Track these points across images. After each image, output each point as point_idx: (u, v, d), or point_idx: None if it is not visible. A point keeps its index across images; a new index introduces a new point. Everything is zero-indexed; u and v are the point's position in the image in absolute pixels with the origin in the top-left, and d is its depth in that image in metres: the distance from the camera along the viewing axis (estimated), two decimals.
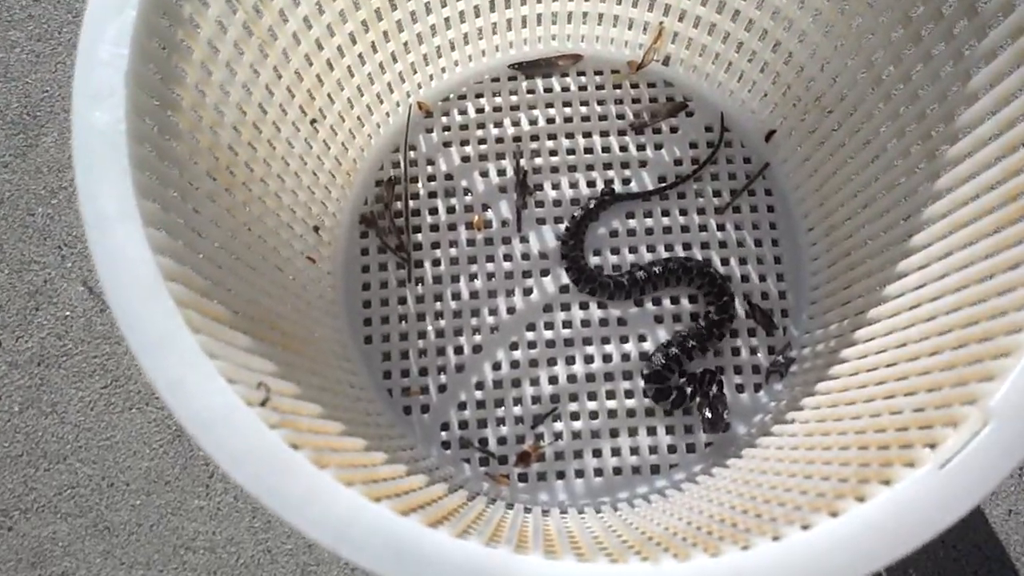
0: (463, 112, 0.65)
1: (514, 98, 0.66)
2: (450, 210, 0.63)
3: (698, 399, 0.58)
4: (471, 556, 0.31)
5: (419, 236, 0.63)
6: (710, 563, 0.31)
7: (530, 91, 0.66)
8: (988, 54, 0.44)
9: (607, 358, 0.61)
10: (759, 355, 0.61)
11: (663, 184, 0.64)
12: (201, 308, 0.35)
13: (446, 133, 0.65)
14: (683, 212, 0.64)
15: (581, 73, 0.66)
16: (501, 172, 0.64)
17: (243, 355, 0.37)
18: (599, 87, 0.66)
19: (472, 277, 0.62)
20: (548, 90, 0.66)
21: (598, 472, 0.59)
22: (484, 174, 0.64)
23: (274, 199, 0.52)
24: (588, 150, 0.65)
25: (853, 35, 0.53)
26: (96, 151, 0.34)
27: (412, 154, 0.64)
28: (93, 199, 0.34)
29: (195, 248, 0.39)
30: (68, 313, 0.63)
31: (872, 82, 0.53)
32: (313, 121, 0.55)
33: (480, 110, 0.65)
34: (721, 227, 0.63)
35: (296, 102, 0.53)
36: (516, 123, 0.65)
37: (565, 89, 0.66)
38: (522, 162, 0.64)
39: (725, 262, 0.63)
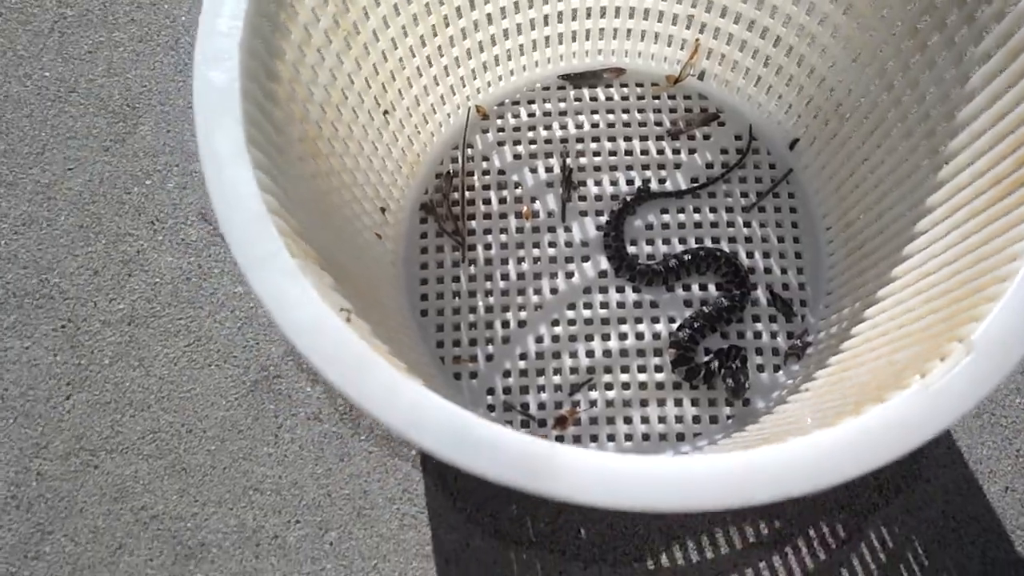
0: (516, 116, 0.71)
1: (562, 105, 0.71)
2: (502, 201, 0.68)
3: (723, 371, 0.62)
4: (521, 443, 0.35)
5: (473, 223, 0.68)
6: (723, 458, 0.35)
7: (577, 99, 0.71)
8: (983, 56, 0.48)
9: (639, 336, 0.65)
10: (779, 339, 0.65)
11: (695, 184, 0.68)
12: (297, 240, 0.40)
13: (500, 134, 0.70)
14: (712, 210, 0.68)
15: (624, 85, 0.71)
16: (549, 169, 0.69)
17: (330, 285, 0.42)
18: (639, 97, 0.71)
19: (520, 260, 0.67)
20: (593, 99, 0.71)
21: (628, 437, 0.63)
22: (533, 170, 0.69)
23: (349, 175, 0.57)
24: (628, 152, 0.69)
25: (868, 47, 0.58)
26: (213, 103, 0.40)
27: (469, 151, 0.70)
28: (210, 142, 0.39)
29: (289, 196, 0.44)
30: (157, 280, 0.69)
31: (884, 88, 0.57)
32: (385, 112, 0.61)
33: (532, 115, 0.71)
34: (747, 224, 0.68)
35: (372, 92, 0.58)
36: (563, 127, 0.70)
37: (609, 99, 0.71)
38: (568, 161, 0.69)
39: (750, 255, 0.67)
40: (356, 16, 0.53)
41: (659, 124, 0.70)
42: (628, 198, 0.67)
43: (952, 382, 0.36)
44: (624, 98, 0.71)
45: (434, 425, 0.35)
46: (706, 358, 0.63)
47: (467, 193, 0.68)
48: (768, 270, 0.67)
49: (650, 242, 0.67)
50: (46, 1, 0.80)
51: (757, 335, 0.65)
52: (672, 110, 0.71)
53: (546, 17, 0.67)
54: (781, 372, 0.64)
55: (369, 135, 0.59)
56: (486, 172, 0.69)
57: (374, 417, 0.35)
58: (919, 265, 0.52)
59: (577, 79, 0.72)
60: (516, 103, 0.71)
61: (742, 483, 0.34)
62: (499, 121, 0.71)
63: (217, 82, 0.40)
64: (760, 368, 0.64)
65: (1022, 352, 0.36)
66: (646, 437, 0.63)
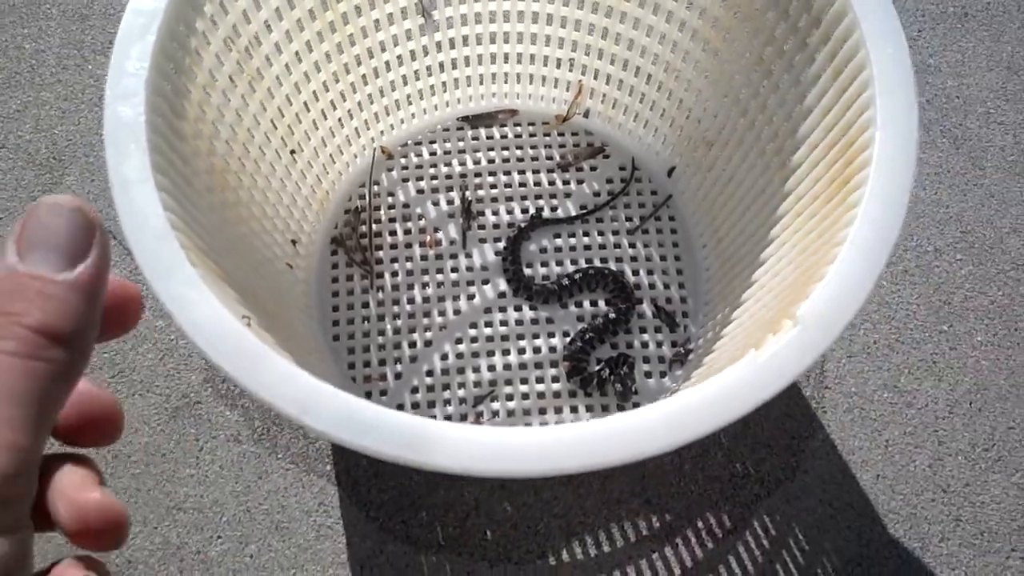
0: (419, 155, 0.75)
1: (461, 144, 0.76)
2: (407, 232, 0.73)
3: (612, 377, 0.66)
4: (399, 421, 0.38)
5: (381, 253, 0.72)
6: (582, 425, 0.39)
7: (474, 138, 0.76)
8: (815, 77, 0.53)
9: (537, 350, 0.69)
10: (664, 348, 0.70)
11: (584, 211, 0.73)
12: (200, 255, 0.43)
13: (404, 171, 0.75)
14: (600, 233, 0.73)
15: (517, 124, 0.77)
16: (450, 202, 0.74)
17: (232, 297, 0.45)
18: (532, 135, 0.76)
19: (424, 286, 0.71)
20: (489, 137, 0.76)
21: None
22: (436, 203, 0.74)
23: (259, 207, 0.61)
24: (522, 184, 0.75)
25: (724, 78, 0.64)
26: (121, 135, 0.43)
27: (376, 188, 0.74)
28: (119, 169, 0.42)
29: (196, 220, 0.47)
30: None
31: (740, 114, 0.63)
32: (292, 151, 0.65)
33: (433, 153, 0.76)
34: (632, 245, 0.73)
35: (278, 133, 0.62)
36: (463, 163, 0.75)
37: (503, 137, 0.76)
38: (467, 193, 0.74)
39: (636, 273, 0.72)
40: (259, 62, 0.57)
41: (550, 158, 0.75)
42: (523, 224, 0.72)
43: (780, 351, 0.40)
44: (517, 136, 0.76)
45: (326, 409, 0.38)
46: (597, 367, 0.68)
47: (374, 226, 0.73)
48: (652, 286, 0.72)
49: (544, 264, 0.72)
50: None
51: (644, 345, 0.70)
52: (561, 145, 0.76)
53: (441, 64, 0.72)
54: (667, 378, 0.69)
55: (277, 172, 0.63)
56: (392, 206, 0.74)
57: (270, 405, 0.38)
58: (772, 267, 0.57)
59: (475, 120, 0.77)
60: (419, 143, 0.76)
61: (600, 446, 0.38)
62: (403, 160, 0.75)
63: (125, 116, 0.44)
64: (648, 375, 0.69)
65: (844, 322, 0.41)
66: None
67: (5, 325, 0.25)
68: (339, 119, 0.69)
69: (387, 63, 0.69)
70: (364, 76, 0.68)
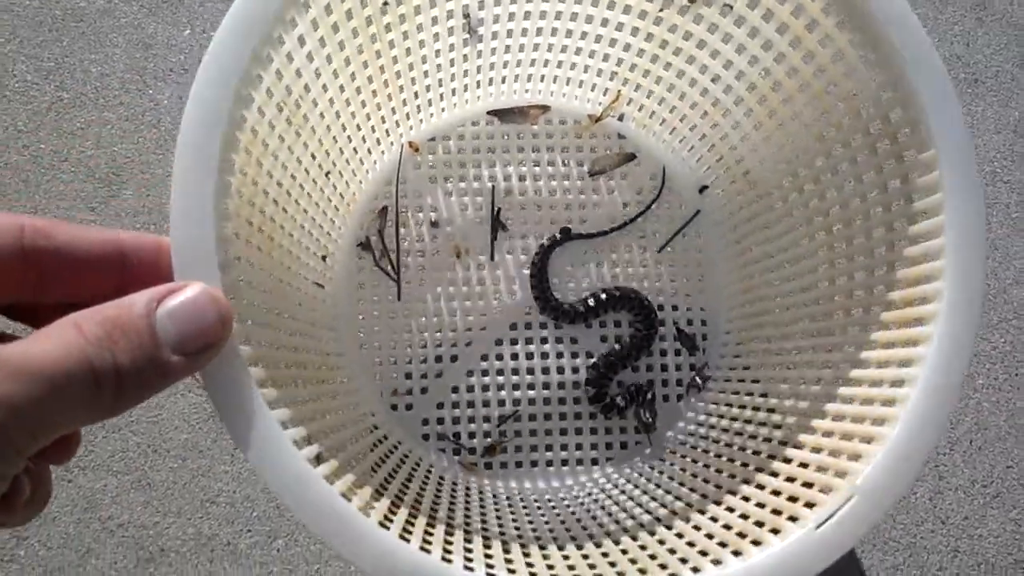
0: (447, 152, 0.72)
1: (491, 141, 0.72)
2: (434, 238, 0.70)
3: (634, 406, 0.67)
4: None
5: (407, 258, 0.70)
6: None
7: (504, 135, 0.72)
8: (868, 159, 0.52)
9: (560, 370, 0.69)
10: (682, 371, 0.71)
11: (613, 226, 0.71)
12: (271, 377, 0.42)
13: (432, 170, 0.71)
14: (627, 249, 0.72)
15: (548, 122, 0.73)
16: (478, 208, 0.71)
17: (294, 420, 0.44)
18: (563, 135, 0.73)
19: (451, 298, 0.70)
20: (520, 135, 0.73)
21: (549, 463, 0.68)
22: (464, 208, 0.71)
23: (298, 244, 0.58)
24: (551, 192, 0.72)
25: (777, 136, 0.61)
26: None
27: (402, 187, 0.71)
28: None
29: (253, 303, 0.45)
30: None
31: (789, 173, 0.61)
32: (327, 173, 0.61)
33: (461, 150, 0.72)
34: (658, 263, 0.72)
35: (317, 162, 0.58)
36: (492, 164, 0.72)
37: (534, 136, 0.73)
38: (497, 198, 0.71)
39: (659, 293, 0.71)
40: (307, 108, 0.53)
41: (580, 164, 0.73)
42: (554, 237, 0.70)
43: (840, 522, 0.41)
44: (549, 135, 0.73)
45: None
46: (617, 392, 0.69)
47: (401, 229, 0.70)
48: (675, 307, 0.71)
49: (570, 280, 0.71)
50: (46, 85, 0.92)
51: (664, 367, 0.71)
52: (592, 149, 0.73)
53: (479, 67, 0.67)
54: (683, 402, 0.70)
55: (313, 198, 0.60)
56: (419, 209, 0.71)
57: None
58: (808, 350, 0.57)
59: (504, 114, 0.73)
60: (447, 138, 0.72)
61: None
62: (431, 156, 0.71)
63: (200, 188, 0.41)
64: (665, 398, 0.70)
65: (898, 495, 0.42)
66: (564, 463, 0.68)
67: (104, 342, 0.29)
68: (371, 126, 0.65)
69: (426, 72, 0.64)
70: (401, 86, 0.64)
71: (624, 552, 0.50)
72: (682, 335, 0.71)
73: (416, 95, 0.66)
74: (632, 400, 0.68)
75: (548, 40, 0.65)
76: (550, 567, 0.47)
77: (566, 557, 0.50)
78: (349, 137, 0.62)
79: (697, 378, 0.70)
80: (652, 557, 0.48)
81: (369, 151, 0.67)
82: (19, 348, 0.27)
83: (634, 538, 0.52)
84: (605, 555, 0.50)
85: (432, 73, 0.65)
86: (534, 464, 0.68)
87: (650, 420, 0.67)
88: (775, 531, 0.43)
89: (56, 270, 0.33)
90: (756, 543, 0.43)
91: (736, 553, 0.43)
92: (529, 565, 0.46)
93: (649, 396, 0.68)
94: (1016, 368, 0.76)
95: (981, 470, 0.74)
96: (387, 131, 0.68)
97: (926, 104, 0.45)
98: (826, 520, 0.42)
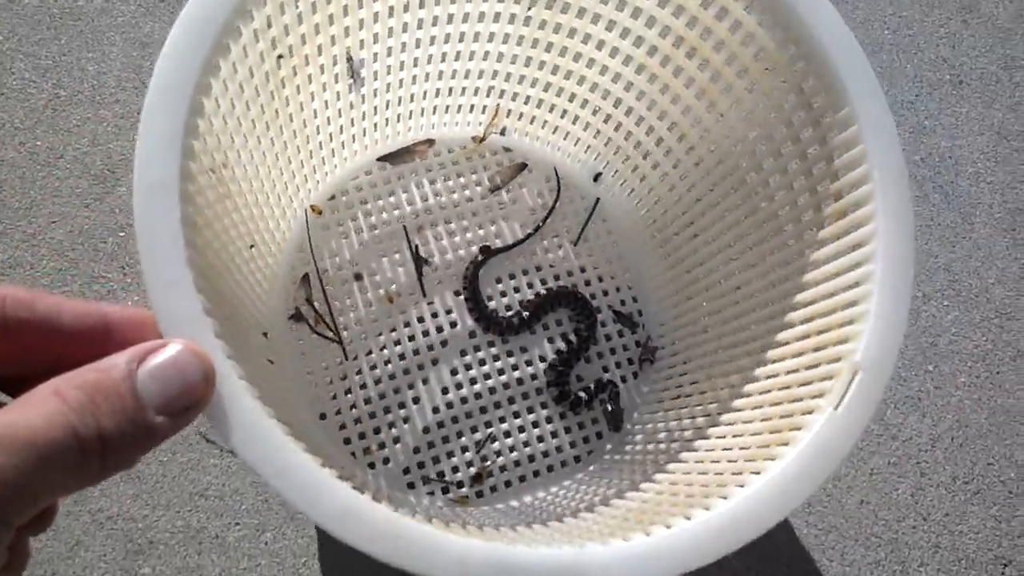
0: (350, 207, 0.72)
1: (388, 185, 0.73)
2: (362, 291, 0.70)
3: (603, 405, 0.69)
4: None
5: (341, 318, 0.69)
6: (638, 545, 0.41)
7: (399, 176, 0.73)
8: (776, 119, 0.56)
9: (520, 381, 0.70)
10: (629, 350, 0.73)
11: (528, 232, 0.73)
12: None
13: (340, 228, 0.71)
14: (547, 251, 0.74)
15: (437, 154, 0.74)
16: (396, 251, 0.71)
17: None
18: (454, 162, 0.74)
19: (396, 343, 0.69)
20: (414, 173, 0.74)
21: (536, 473, 0.68)
22: (383, 255, 0.71)
23: (240, 316, 0.56)
24: (461, 216, 0.73)
25: (671, 111, 0.65)
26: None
27: (317, 251, 0.70)
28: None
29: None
30: None
31: (660, 114, 0.65)
32: (252, 246, 0.60)
33: (364, 201, 0.72)
34: (577, 256, 0.74)
35: (242, 234, 0.57)
36: (396, 207, 0.72)
37: (428, 170, 0.74)
38: (412, 238, 0.71)
39: (588, 283, 0.73)
40: (232, 183, 0.52)
41: (479, 184, 0.74)
42: (476, 258, 0.71)
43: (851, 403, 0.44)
44: (441, 165, 0.74)
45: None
46: (580, 385, 0.70)
47: (329, 289, 0.69)
48: (606, 292, 0.74)
49: (503, 293, 0.72)
50: (43, 83, 0.91)
51: (612, 351, 0.72)
52: (485, 167, 0.75)
53: (364, 113, 0.68)
54: (640, 377, 0.72)
55: (244, 272, 0.58)
56: (339, 268, 0.70)
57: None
58: (736, 276, 0.61)
59: (393, 157, 0.73)
60: (344, 193, 0.72)
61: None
62: (335, 215, 0.71)
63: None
64: (623, 379, 0.72)
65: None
66: (550, 468, 0.68)
67: (87, 407, 0.28)
68: (278, 193, 0.64)
69: (317, 127, 0.64)
70: (298, 146, 0.63)
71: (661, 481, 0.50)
72: (620, 316, 0.73)
73: (311, 154, 0.66)
74: (596, 393, 0.69)
75: (425, 69, 0.67)
76: None
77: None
78: (262, 208, 0.61)
79: (646, 349, 0.72)
80: (688, 494, 0.48)
81: (278, 221, 0.66)
82: (2, 419, 0.26)
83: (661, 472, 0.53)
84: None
85: (323, 128, 0.65)
86: (522, 479, 0.68)
87: (619, 414, 0.68)
88: (796, 428, 0.45)
89: (37, 341, 0.31)
90: (783, 444, 0.45)
91: (770, 459, 0.44)
92: None
93: (613, 392, 0.69)
94: (997, 367, 0.82)
95: (962, 467, 0.79)
96: (291, 197, 0.67)
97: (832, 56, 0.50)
98: (841, 400, 0.44)
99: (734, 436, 0.52)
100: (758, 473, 0.43)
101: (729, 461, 0.49)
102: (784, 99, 0.54)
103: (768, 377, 0.54)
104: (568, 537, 0.43)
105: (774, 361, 0.54)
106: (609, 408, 0.68)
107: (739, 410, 0.55)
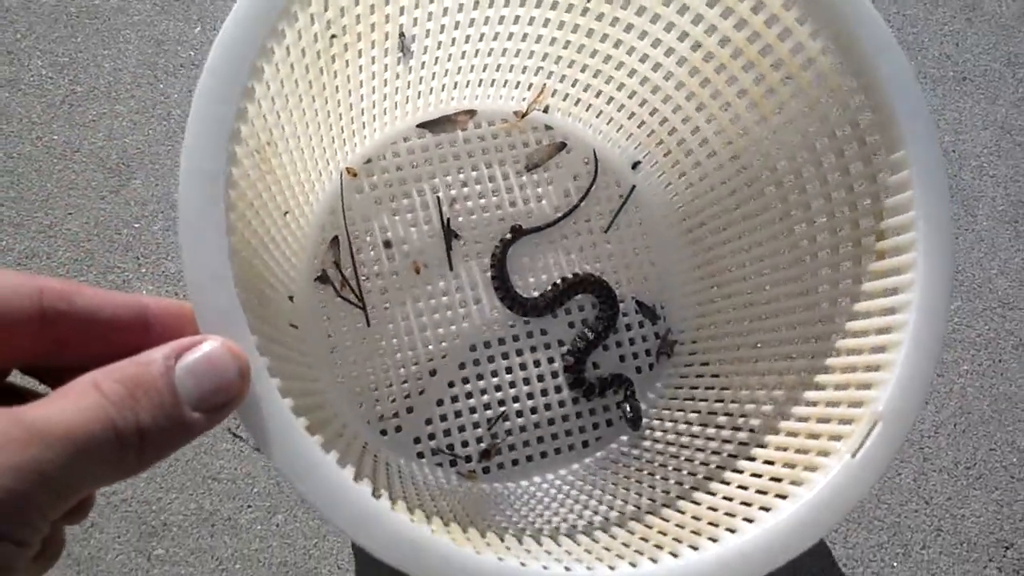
0: (384, 171, 0.71)
1: (425, 153, 0.72)
2: (391, 259, 0.70)
3: (619, 402, 0.69)
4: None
5: (368, 284, 0.69)
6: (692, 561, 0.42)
7: (437, 146, 0.72)
8: (821, 124, 0.55)
9: (536, 363, 0.70)
10: (648, 341, 0.73)
11: (558, 216, 0.73)
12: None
13: (374, 192, 0.70)
14: (577, 234, 0.73)
15: (477, 126, 0.73)
16: (427, 222, 0.71)
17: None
18: (494, 136, 0.73)
19: (419, 314, 0.69)
20: (452, 143, 0.73)
21: (543, 454, 0.69)
22: (413, 225, 0.71)
23: (268, 282, 0.56)
24: (494, 193, 0.72)
25: (697, 86, 0.64)
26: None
27: (349, 214, 0.69)
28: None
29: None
30: None
31: (708, 117, 0.64)
32: (286, 213, 0.60)
33: (399, 168, 0.71)
34: (607, 243, 0.74)
35: (278, 203, 0.57)
36: (431, 176, 0.72)
37: (467, 141, 0.73)
38: (444, 209, 0.71)
39: (614, 271, 0.73)
40: (272, 153, 0.51)
41: (516, 161, 0.73)
42: (506, 236, 0.71)
43: (869, 451, 0.44)
44: (480, 138, 0.73)
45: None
46: (595, 373, 0.70)
47: (357, 255, 0.69)
48: (630, 281, 0.73)
49: (531, 273, 0.72)
50: (60, 79, 0.94)
51: (632, 341, 0.73)
52: (525, 144, 0.74)
53: (409, 82, 0.67)
54: (656, 369, 0.72)
55: (276, 239, 0.58)
56: (369, 233, 0.70)
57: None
58: (765, 281, 0.60)
59: (433, 125, 0.73)
60: (382, 158, 0.71)
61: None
62: (370, 179, 0.71)
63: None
64: (639, 370, 0.72)
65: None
66: (558, 451, 0.69)
67: (126, 401, 0.28)
68: (316, 157, 0.64)
69: (361, 96, 0.63)
70: (340, 113, 0.63)
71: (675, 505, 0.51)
72: (642, 307, 0.73)
73: (352, 120, 0.65)
74: (611, 385, 0.69)
75: (475, 46, 0.66)
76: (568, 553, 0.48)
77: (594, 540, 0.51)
78: (299, 174, 0.61)
79: (666, 342, 0.72)
80: (695, 518, 0.49)
81: (313, 184, 0.66)
82: (41, 412, 0.27)
83: (679, 497, 0.54)
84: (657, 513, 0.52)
85: (367, 96, 0.64)
86: (529, 459, 0.69)
87: (638, 412, 0.68)
88: (811, 468, 0.46)
89: (76, 334, 0.32)
90: (796, 483, 0.45)
91: (781, 496, 0.45)
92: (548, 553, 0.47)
93: (629, 392, 0.69)
94: (999, 355, 0.82)
95: (965, 452, 0.79)
96: (327, 160, 0.66)
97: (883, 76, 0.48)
98: (859, 449, 0.44)
99: (747, 459, 0.53)
100: (768, 510, 0.44)
101: (740, 487, 0.50)
102: (831, 112, 0.53)
103: (786, 403, 0.54)
104: (579, 557, 0.44)
105: (794, 388, 0.54)
106: (628, 408, 0.68)
107: (754, 431, 0.55)
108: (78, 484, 0.27)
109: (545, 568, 0.40)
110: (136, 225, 0.87)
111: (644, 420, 0.69)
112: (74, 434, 0.27)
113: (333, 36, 0.52)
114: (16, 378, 0.33)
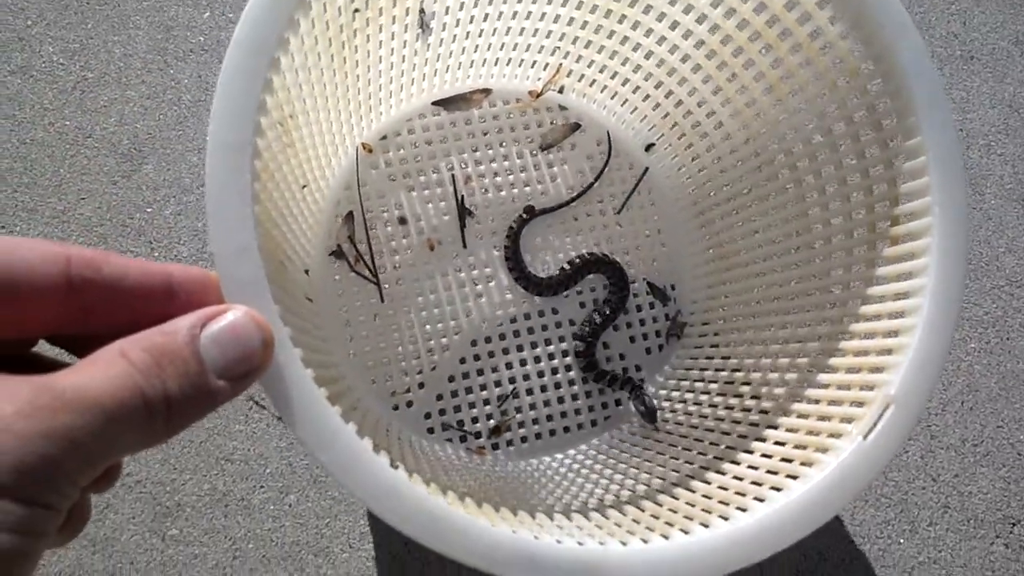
0: (399, 148, 0.71)
1: (440, 131, 0.72)
2: (405, 235, 0.70)
3: (633, 400, 0.69)
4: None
5: (382, 260, 0.69)
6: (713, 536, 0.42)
7: (452, 123, 0.72)
8: (834, 105, 0.55)
9: (547, 341, 0.71)
10: (658, 322, 0.73)
11: (572, 197, 0.73)
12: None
13: (389, 168, 0.70)
14: (588, 215, 0.73)
15: (492, 105, 0.73)
16: (442, 199, 0.71)
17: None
18: (508, 115, 0.73)
19: (432, 290, 0.69)
20: (467, 122, 0.73)
21: (552, 432, 0.70)
22: (428, 202, 0.71)
23: (287, 255, 0.57)
24: (508, 172, 0.72)
25: (714, 69, 0.64)
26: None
27: (364, 189, 0.70)
28: None
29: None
30: None
31: (723, 101, 0.64)
32: (304, 187, 0.60)
33: (415, 144, 0.71)
34: (619, 224, 0.74)
35: (297, 176, 0.57)
36: (447, 154, 0.72)
37: (482, 120, 0.73)
38: (458, 187, 0.71)
39: (626, 252, 0.73)
40: (293, 126, 0.51)
41: (530, 140, 0.73)
42: (520, 216, 0.71)
43: (880, 434, 0.45)
44: (495, 117, 0.73)
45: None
46: (607, 366, 0.71)
47: (371, 231, 0.69)
48: (641, 262, 0.74)
49: (543, 252, 0.72)
50: (71, 65, 0.94)
51: (642, 322, 0.73)
52: (539, 124, 0.74)
53: (427, 59, 0.67)
54: (665, 350, 0.73)
55: (295, 212, 0.59)
56: (384, 209, 0.70)
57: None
58: (775, 265, 0.61)
59: (448, 103, 0.73)
60: (397, 134, 0.71)
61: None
62: (386, 155, 0.71)
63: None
64: (648, 351, 0.73)
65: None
66: (567, 430, 0.70)
67: (153, 370, 0.29)
68: (333, 131, 0.64)
69: (380, 72, 0.63)
70: (359, 88, 0.63)
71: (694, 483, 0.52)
72: (653, 288, 0.73)
73: (370, 95, 0.65)
74: (621, 386, 0.69)
75: (493, 24, 0.65)
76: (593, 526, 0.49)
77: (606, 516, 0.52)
78: (317, 149, 0.61)
79: (675, 324, 0.73)
80: (706, 497, 0.50)
81: (330, 159, 0.66)
82: (71, 379, 0.27)
83: (690, 476, 0.54)
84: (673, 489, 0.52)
85: (385, 72, 0.64)
86: (538, 436, 0.69)
87: (653, 410, 0.68)
88: (822, 449, 0.46)
89: (102, 302, 0.32)
90: (807, 464, 0.46)
91: (793, 477, 0.45)
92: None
93: (637, 395, 0.69)
94: (1007, 333, 0.83)
95: (972, 430, 0.80)
96: (344, 135, 0.67)
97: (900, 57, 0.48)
98: (870, 431, 0.44)
99: (757, 440, 0.53)
100: (779, 490, 0.44)
101: (751, 468, 0.50)
102: (848, 97, 0.53)
103: (798, 385, 0.54)
104: (591, 532, 0.44)
105: (805, 370, 0.55)
106: (642, 406, 0.68)
107: (765, 412, 0.55)
108: (108, 451, 0.28)
109: (559, 542, 0.40)
110: (148, 210, 0.88)
111: (654, 401, 0.70)
112: (103, 402, 0.27)
113: (356, 10, 0.52)
114: (43, 348, 0.34)
